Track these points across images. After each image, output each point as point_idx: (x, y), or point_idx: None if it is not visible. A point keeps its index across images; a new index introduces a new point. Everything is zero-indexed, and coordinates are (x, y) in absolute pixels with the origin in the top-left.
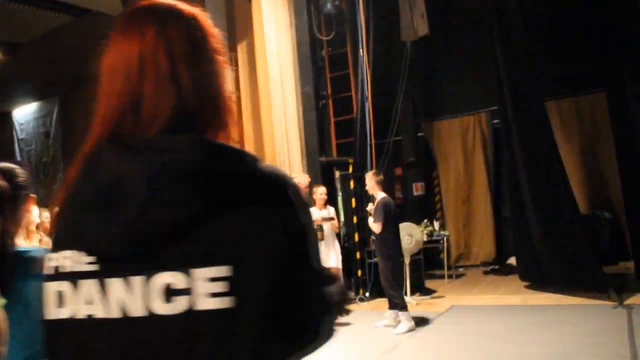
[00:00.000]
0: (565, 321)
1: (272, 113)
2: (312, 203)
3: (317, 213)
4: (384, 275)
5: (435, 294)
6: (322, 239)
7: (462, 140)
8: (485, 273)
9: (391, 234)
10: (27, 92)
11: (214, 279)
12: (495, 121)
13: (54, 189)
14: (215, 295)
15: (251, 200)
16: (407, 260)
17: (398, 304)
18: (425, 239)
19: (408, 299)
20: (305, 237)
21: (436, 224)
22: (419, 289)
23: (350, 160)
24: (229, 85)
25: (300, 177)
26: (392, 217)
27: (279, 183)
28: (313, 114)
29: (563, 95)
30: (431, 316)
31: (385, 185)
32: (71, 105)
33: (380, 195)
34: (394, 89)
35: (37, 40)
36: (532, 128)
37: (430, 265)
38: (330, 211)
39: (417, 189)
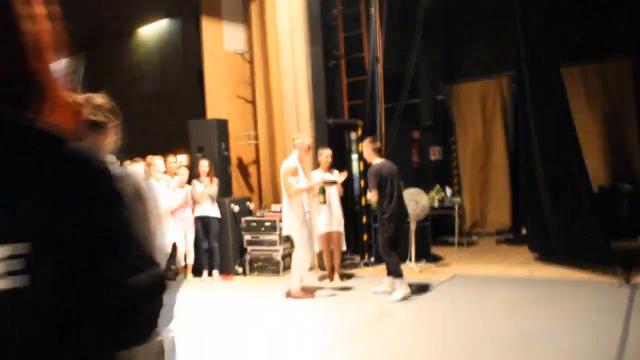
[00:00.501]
0: (566, 297)
1: (280, 71)
2: (317, 165)
3: (320, 176)
4: (379, 241)
5: (441, 262)
6: (324, 202)
7: (482, 104)
8: (498, 242)
9: (386, 199)
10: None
11: (9, 257)
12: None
13: None
14: (10, 274)
15: (52, 180)
16: (412, 227)
17: (393, 271)
18: (436, 205)
19: (412, 265)
20: (111, 222)
21: (448, 191)
22: (425, 256)
23: (360, 123)
24: (52, 57)
25: (302, 138)
26: (387, 182)
27: (84, 166)
28: (321, 74)
29: (587, 60)
30: (432, 284)
31: (401, 149)
32: (98, 63)
33: (376, 161)
34: (410, 50)
35: None
36: (547, 95)
37: (441, 232)
38: (335, 174)
39: (434, 154)
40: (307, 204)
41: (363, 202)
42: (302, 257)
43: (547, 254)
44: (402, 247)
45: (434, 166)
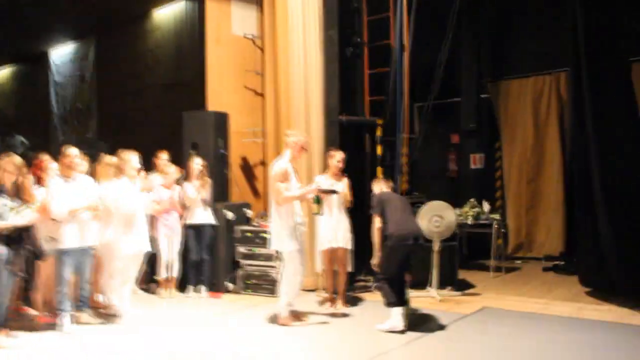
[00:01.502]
0: (619, 346)
1: (289, 61)
2: (326, 168)
3: (319, 182)
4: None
5: (469, 290)
6: (318, 213)
7: (534, 105)
8: (545, 270)
9: (388, 222)
10: (64, 32)
11: None
12: None
13: (86, 138)
14: None
15: None
16: (435, 247)
17: (384, 299)
18: (470, 222)
19: (432, 292)
20: None
21: (485, 205)
22: (451, 282)
23: (380, 122)
24: None
25: (296, 135)
26: (389, 206)
27: None
28: (335, 63)
29: None
30: (451, 318)
31: (437, 155)
32: (109, 48)
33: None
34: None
35: None
36: (611, 95)
37: (477, 255)
38: (341, 183)
39: (475, 162)
40: (300, 214)
41: None
42: (291, 277)
43: (602, 290)
44: (419, 270)
45: (474, 176)
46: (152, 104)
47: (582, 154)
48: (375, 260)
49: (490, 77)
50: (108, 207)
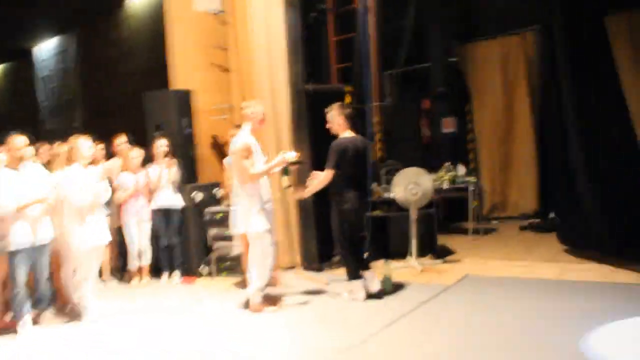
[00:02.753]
0: (605, 307)
1: (251, 33)
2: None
3: (286, 154)
4: (337, 233)
5: (450, 257)
6: (289, 186)
7: (502, 66)
8: (522, 228)
9: (344, 185)
10: (47, 27)
11: None
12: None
13: (74, 128)
14: None
15: None
16: (413, 215)
17: (350, 272)
18: (445, 186)
19: (412, 262)
20: None
21: (461, 169)
22: (431, 249)
23: (348, 89)
24: None
25: (254, 107)
26: (350, 163)
27: None
28: (298, 32)
29: (632, 7)
30: (434, 291)
31: (408, 122)
32: (89, 40)
33: (342, 134)
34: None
35: None
36: (585, 51)
37: (455, 218)
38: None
39: (447, 125)
40: (268, 191)
41: None
42: (260, 260)
43: (581, 247)
44: (397, 239)
45: (447, 140)
46: (132, 90)
47: (556, 113)
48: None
49: (458, 40)
50: (60, 198)
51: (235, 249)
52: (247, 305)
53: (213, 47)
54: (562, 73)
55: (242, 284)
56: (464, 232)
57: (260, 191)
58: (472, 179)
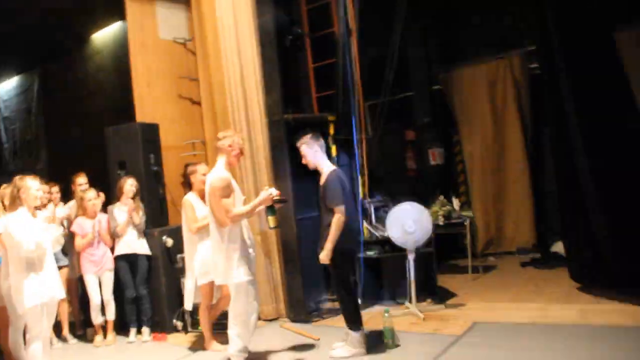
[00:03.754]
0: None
1: (222, 62)
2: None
3: (271, 190)
4: (335, 281)
5: (452, 300)
6: (277, 226)
7: (490, 92)
8: (523, 265)
9: (346, 223)
10: (8, 65)
11: None
12: (533, 66)
13: (37, 170)
14: None
15: None
16: (410, 257)
17: (348, 320)
18: (441, 223)
19: (412, 309)
20: None
21: (455, 203)
22: (430, 292)
23: (332, 118)
24: None
25: (228, 138)
26: (347, 196)
27: None
28: (274, 59)
29: None
30: (442, 343)
31: (392, 154)
32: (53, 78)
33: (327, 167)
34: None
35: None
36: (593, 70)
37: (447, 256)
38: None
39: (434, 157)
40: (248, 233)
41: None
42: (243, 315)
43: (600, 284)
44: (391, 282)
45: (435, 173)
46: (99, 128)
47: (562, 141)
48: (325, 256)
49: (441, 68)
50: (4, 247)
51: (188, 300)
52: None
53: (181, 77)
54: (567, 97)
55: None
56: (461, 270)
57: (242, 235)
58: (468, 213)
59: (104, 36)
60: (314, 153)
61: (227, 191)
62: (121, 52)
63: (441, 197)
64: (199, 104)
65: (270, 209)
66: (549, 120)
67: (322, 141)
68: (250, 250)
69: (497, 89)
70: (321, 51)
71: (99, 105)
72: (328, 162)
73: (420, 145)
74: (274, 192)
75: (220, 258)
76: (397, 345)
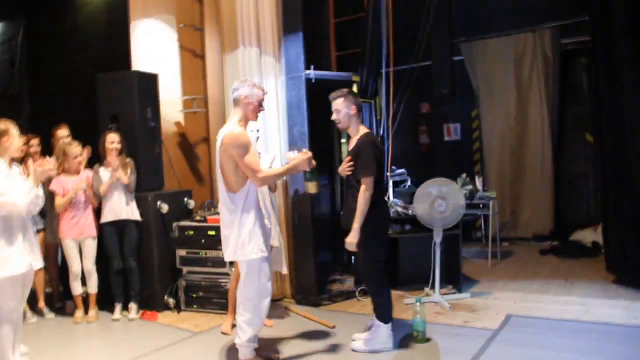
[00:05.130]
0: None
1: (236, 9)
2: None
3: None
4: (365, 266)
5: (476, 288)
6: (317, 191)
7: (516, 67)
8: (543, 253)
9: (380, 196)
10: None
11: None
12: (566, 41)
13: (20, 127)
14: None
15: None
16: (437, 239)
17: (380, 312)
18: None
19: (436, 297)
20: None
21: (478, 182)
22: (454, 279)
23: (356, 79)
24: None
25: (246, 87)
26: (380, 167)
27: None
28: (298, 2)
29: None
30: (477, 339)
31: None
32: (39, 28)
33: (362, 131)
34: None
35: None
36: None
37: (464, 240)
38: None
39: (450, 133)
40: (267, 203)
41: None
42: (255, 299)
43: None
44: (411, 265)
45: (450, 149)
46: (87, 86)
47: (611, 113)
48: (353, 239)
49: (464, 37)
50: None
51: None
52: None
53: (184, 26)
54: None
55: (227, 324)
56: (478, 255)
57: (258, 203)
58: (492, 194)
59: None
60: (350, 112)
61: (246, 149)
62: (115, 2)
63: (464, 176)
64: (202, 57)
65: (311, 173)
66: (593, 91)
67: (359, 101)
68: (267, 222)
69: (524, 63)
70: (344, 3)
71: (90, 59)
72: (361, 126)
73: (435, 120)
74: (291, 155)
75: (232, 230)
76: (428, 340)
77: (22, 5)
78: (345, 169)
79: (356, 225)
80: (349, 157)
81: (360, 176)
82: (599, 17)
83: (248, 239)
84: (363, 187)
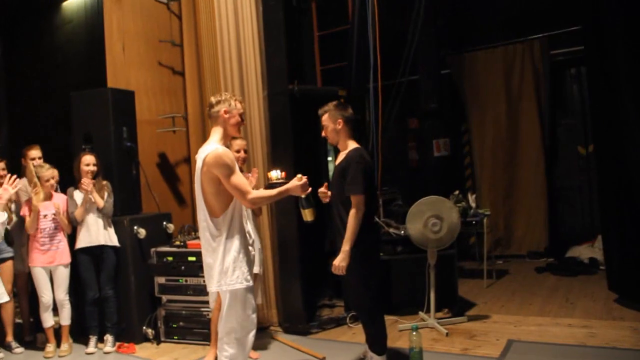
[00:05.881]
0: None
1: (215, 26)
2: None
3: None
4: (356, 293)
5: (471, 311)
6: (313, 218)
7: (505, 79)
8: (539, 270)
9: (370, 216)
10: None
11: None
12: (555, 51)
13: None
14: None
15: None
16: (431, 260)
17: (372, 344)
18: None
19: (430, 321)
20: None
21: (471, 199)
22: (448, 302)
23: (342, 93)
24: None
25: (224, 102)
26: (370, 185)
27: None
28: (280, 13)
29: None
30: None
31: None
32: (16, 48)
33: (350, 145)
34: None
35: None
36: None
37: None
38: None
39: (439, 149)
40: (249, 227)
41: None
42: (238, 332)
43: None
44: (409, 291)
45: (439, 165)
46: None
47: (610, 123)
48: (343, 262)
49: (452, 50)
50: None
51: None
52: None
53: (161, 42)
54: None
55: (210, 357)
56: (471, 274)
57: (242, 228)
58: (486, 211)
59: (76, 3)
60: (338, 126)
61: (233, 168)
62: (96, 20)
63: (456, 192)
64: (181, 74)
65: (306, 200)
66: (592, 99)
67: (350, 112)
68: (251, 249)
69: (513, 75)
70: (328, 17)
71: (68, 80)
72: (351, 141)
73: (423, 134)
74: (273, 174)
75: (216, 257)
76: None
77: (1, 24)
78: (322, 196)
79: (346, 247)
80: (325, 184)
81: (349, 194)
82: (590, 24)
83: (232, 267)
84: (353, 209)
